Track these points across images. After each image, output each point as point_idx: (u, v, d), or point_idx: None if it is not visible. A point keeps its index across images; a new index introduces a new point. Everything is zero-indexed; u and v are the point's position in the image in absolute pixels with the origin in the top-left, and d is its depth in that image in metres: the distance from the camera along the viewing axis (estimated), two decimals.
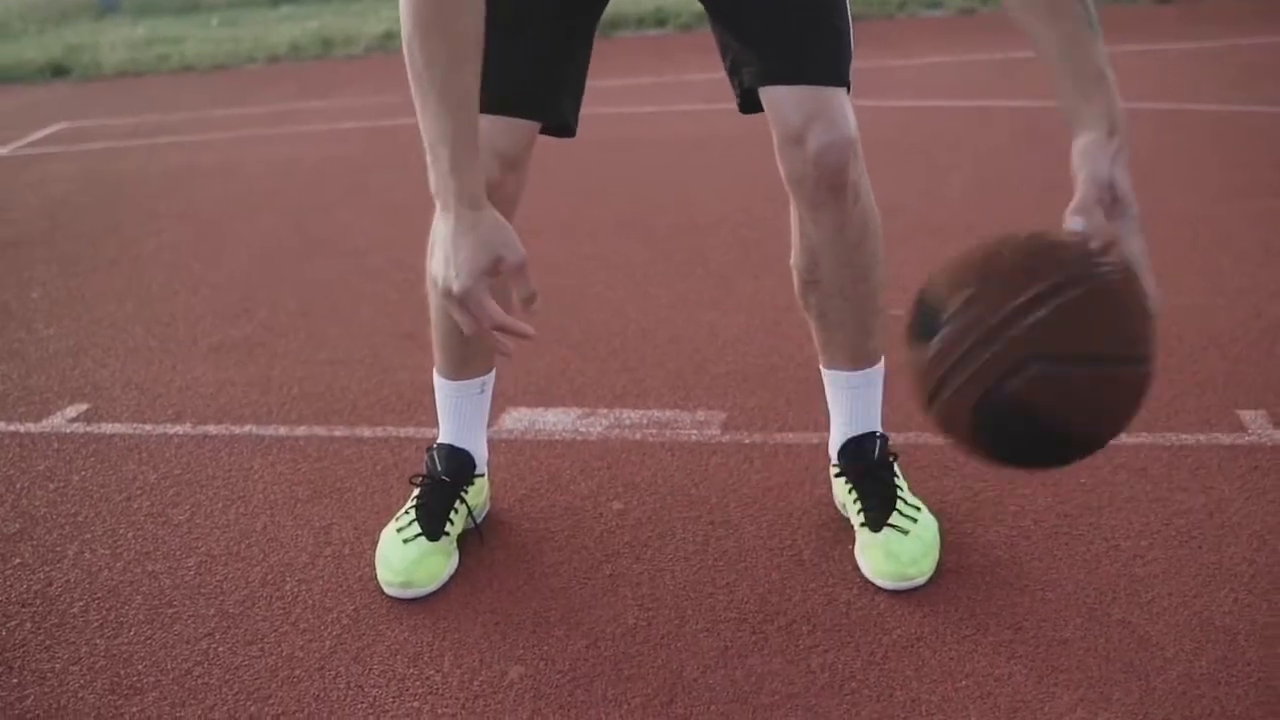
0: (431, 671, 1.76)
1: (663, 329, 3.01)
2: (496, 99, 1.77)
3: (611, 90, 5.91)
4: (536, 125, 1.84)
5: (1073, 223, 1.38)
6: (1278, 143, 4.58)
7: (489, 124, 1.77)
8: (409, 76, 1.51)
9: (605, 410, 2.57)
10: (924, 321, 1.34)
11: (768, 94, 1.78)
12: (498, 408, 2.58)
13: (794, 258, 1.94)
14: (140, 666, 1.83)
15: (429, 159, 1.51)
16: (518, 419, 2.55)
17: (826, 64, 1.76)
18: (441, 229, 1.51)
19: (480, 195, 1.51)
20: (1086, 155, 1.41)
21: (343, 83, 7.91)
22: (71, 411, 2.80)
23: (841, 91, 1.77)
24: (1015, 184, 4.11)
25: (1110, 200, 1.40)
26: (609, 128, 5.34)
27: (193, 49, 9.47)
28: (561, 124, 1.88)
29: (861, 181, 1.82)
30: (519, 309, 1.58)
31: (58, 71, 9.22)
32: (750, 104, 1.83)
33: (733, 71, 1.83)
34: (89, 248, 4.31)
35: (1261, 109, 5.02)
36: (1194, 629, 1.73)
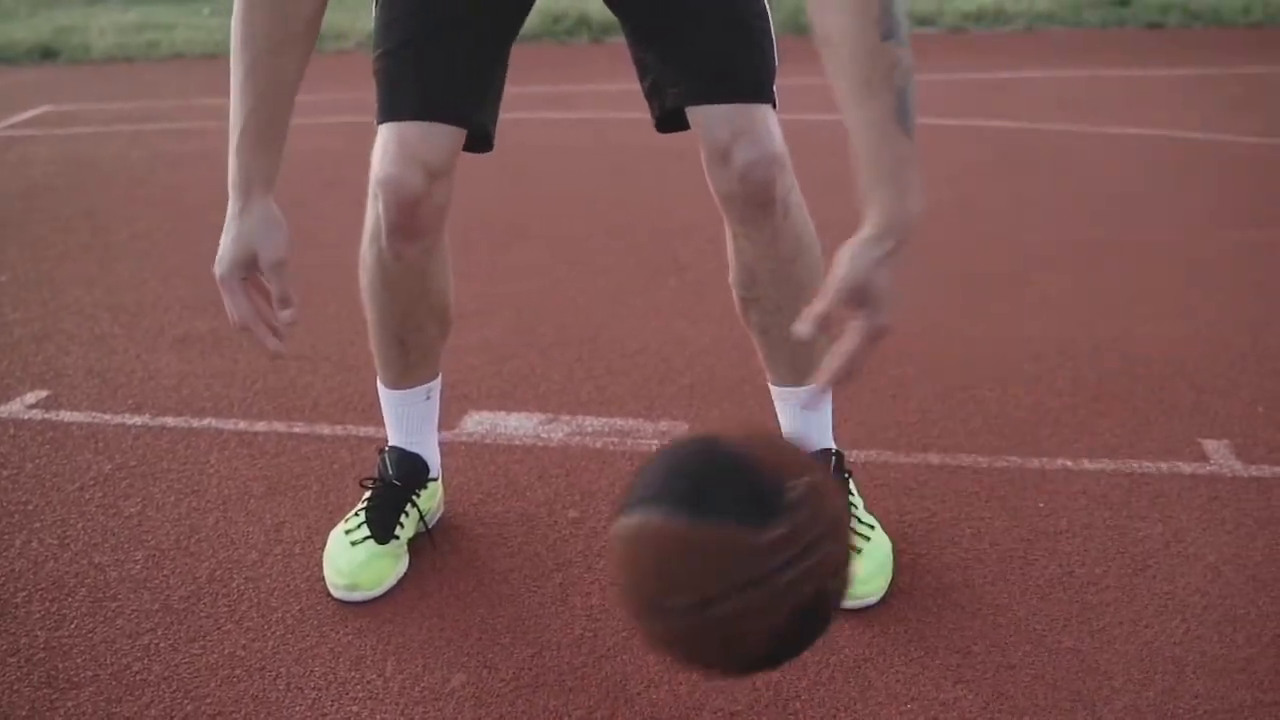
0: (373, 676, 1.74)
1: (633, 337, 3.00)
2: (421, 104, 1.75)
3: (588, 96, 5.90)
4: (461, 133, 1.79)
5: (799, 329, 1.32)
6: (1257, 174, 4.59)
7: (413, 131, 1.75)
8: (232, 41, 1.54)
9: (568, 417, 2.55)
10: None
11: (694, 113, 1.76)
12: (459, 409, 2.57)
13: (731, 275, 1.92)
14: (79, 660, 1.80)
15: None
16: (479, 422, 2.53)
17: (749, 81, 1.75)
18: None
19: (259, 186, 1.55)
20: (849, 254, 1.33)
21: (331, 77, 7.85)
22: (31, 398, 2.77)
23: (765, 108, 1.75)
24: (995, 202, 4.11)
25: (860, 302, 1.33)
26: (582, 134, 5.33)
27: (183, 36, 9.43)
28: (482, 134, 1.84)
29: (791, 196, 1.80)
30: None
31: (46, 54, 9.17)
32: (669, 123, 1.82)
33: (653, 92, 1.82)
34: (62, 232, 4.28)
35: (1242, 139, 5.03)
36: (1143, 659, 1.72)
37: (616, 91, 6.94)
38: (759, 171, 1.72)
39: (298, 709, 1.67)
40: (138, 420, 2.62)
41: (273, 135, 1.56)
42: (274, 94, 1.54)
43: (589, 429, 2.49)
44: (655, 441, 2.42)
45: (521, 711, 1.65)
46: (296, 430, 2.54)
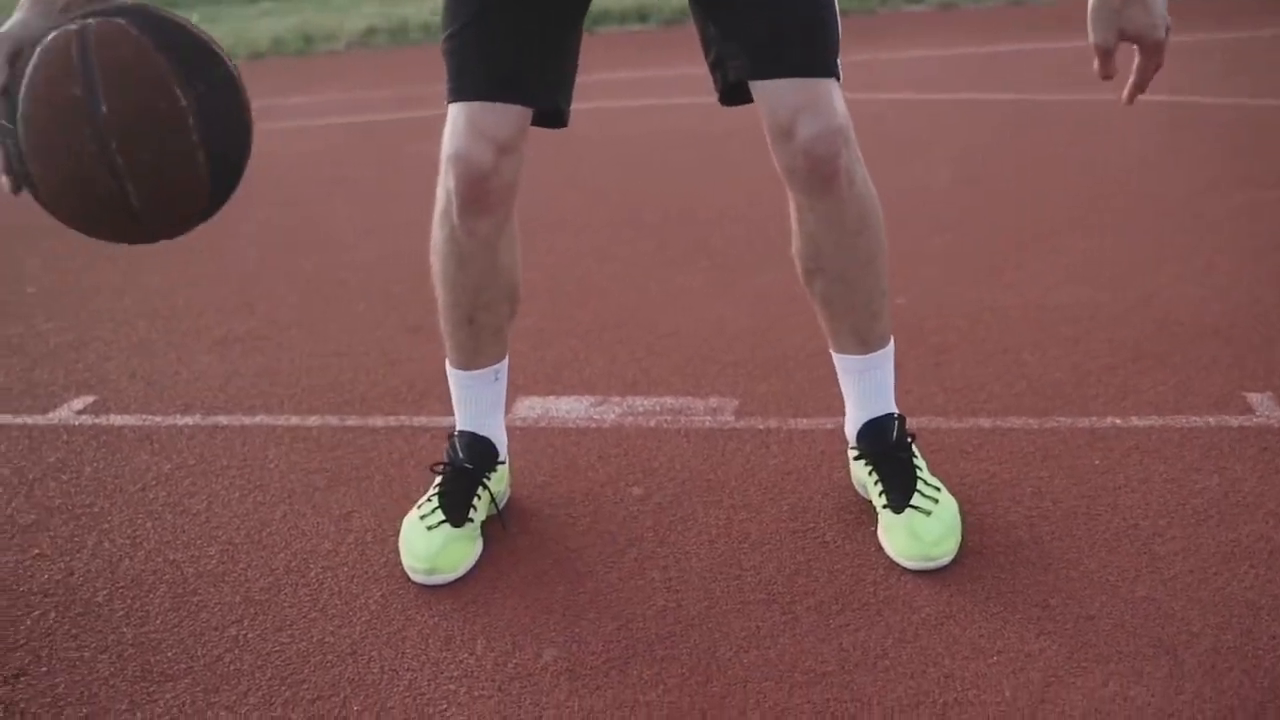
0: (465, 655, 1.77)
1: (667, 320, 3.03)
2: (488, 84, 1.79)
3: (597, 84, 5.92)
4: (529, 111, 1.84)
5: (1111, 81, 1.58)
6: (1263, 133, 4.64)
7: (481, 110, 1.79)
8: None
9: (617, 398, 2.58)
10: None
11: (757, 88, 1.79)
12: (510, 395, 2.58)
13: (794, 247, 1.95)
14: (169, 654, 1.83)
15: None
16: (530, 407, 2.56)
17: (814, 55, 1.78)
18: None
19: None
20: (1091, 20, 1.55)
21: (324, 78, 7.90)
22: (78, 404, 2.79)
23: (830, 82, 1.78)
24: (1004, 174, 4.15)
25: (1132, 41, 1.57)
26: (598, 122, 5.35)
27: None
28: (553, 111, 1.88)
29: (856, 169, 1.84)
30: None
31: None
32: (732, 96, 1.85)
33: (716, 65, 1.85)
34: (80, 241, 4.26)
35: (1254, 102, 5.08)
36: (1217, 604, 1.75)
37: (620, 80, 6.99)
38: (822, 145, 1.75)
39: (395, 690, 1.70)
40: (189, 420, 2.65)
41: None
42: None
43: (640, 409, 2.52)
44: (708, 418, 2.45)
45: (616, 682, 1.68)
46: (350, 423, 2.57)
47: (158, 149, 1.44)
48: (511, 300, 2.02)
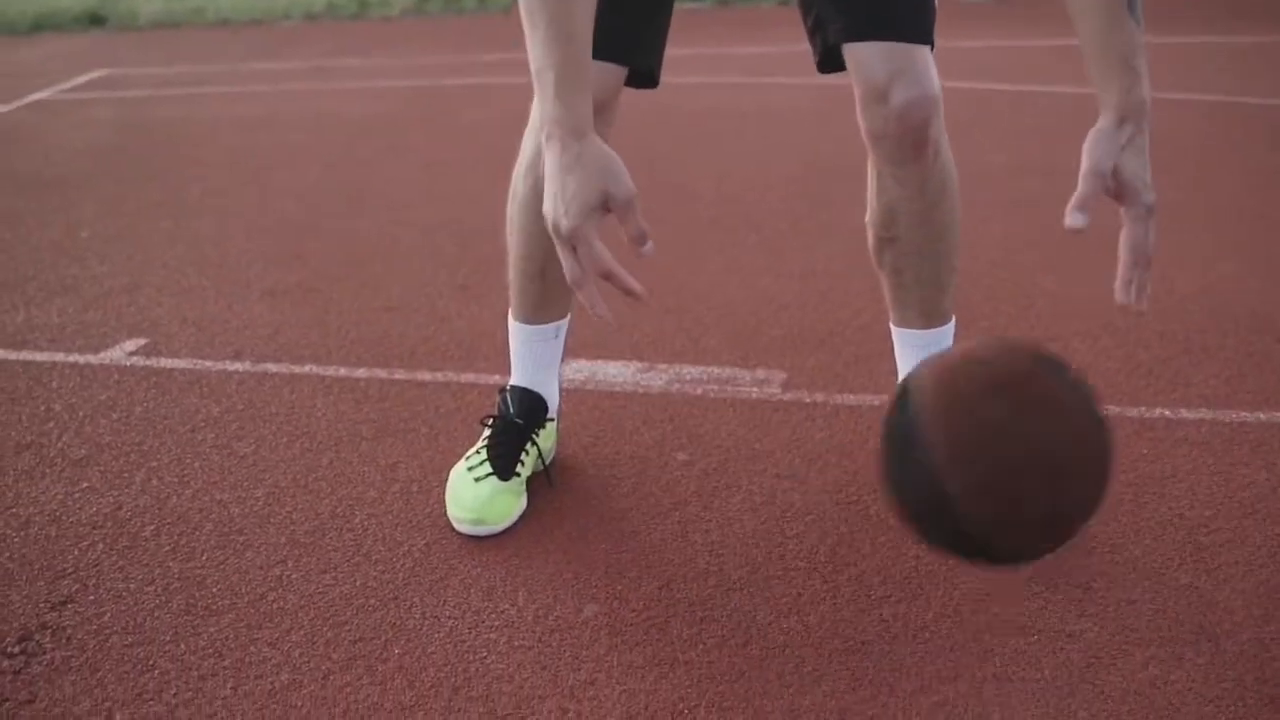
0: (506, 606, 1.78)
1: (717, 292, 3.03)
2: None
3: None
4: (624, 71, 1.85)
5: (1071, 219, 1.40)
6: None
7: None
8: (520, 6, 1.50)
9: (665, 365, 2.59)
10: None
11: (852, 51, 1.79)
12: None
13: (870, 215, 1.95)
14: (215, 590, 1.85)
15: (536, 87, 1.48)
16: (578, 369, 2.57)
17: (912, 21, 1.78)
18: (549, 162, 1.46)
19: (586, 125, 1.45)
20: (1091, 145, 1.42)
21: (378, 43, 7.91)
22: (130, 345, 2.82)
23: (926, 49, 1.78)
24: (1063, 164, 4.11)
25: (1117, 190, 1.43)
26: (652, 97, 5.35)
27: (229, 3, 9.47)
28: (646, 71, 1.89)
29: (942, 139, 1.84)
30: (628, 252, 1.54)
31: (94, 20, 9.23)
32: (829, 63, 1.85)
33: (815, 29, 1.85)
34: (134, 190, 4.33)
35: None
36: (1261, 596, 1.75)
37: (673, 56, 6.92)
38: (916, 112, 1.75)
39: (436, 636, 1.72)
40: (239, 366, 2.67)
41: (585, 79, 1.47)
42: (579, 37, 1.46)
43: (687, 377, 2.53)
44: (755, 389, 2.45)
45: (656, 640, 1.69)
46: (397, 377, 2.58)
47: None
48: None
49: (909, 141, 1.78)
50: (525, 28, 1.49)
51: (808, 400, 2.40)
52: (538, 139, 1.83)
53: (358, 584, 1.85)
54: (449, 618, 1.76)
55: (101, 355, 2.77)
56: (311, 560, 1.92)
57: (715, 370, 2.55)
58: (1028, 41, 6.79)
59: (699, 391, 2.46)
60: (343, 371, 2.62)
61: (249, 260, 3.43)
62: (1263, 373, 2.47)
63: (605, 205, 1.46)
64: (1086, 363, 2.54)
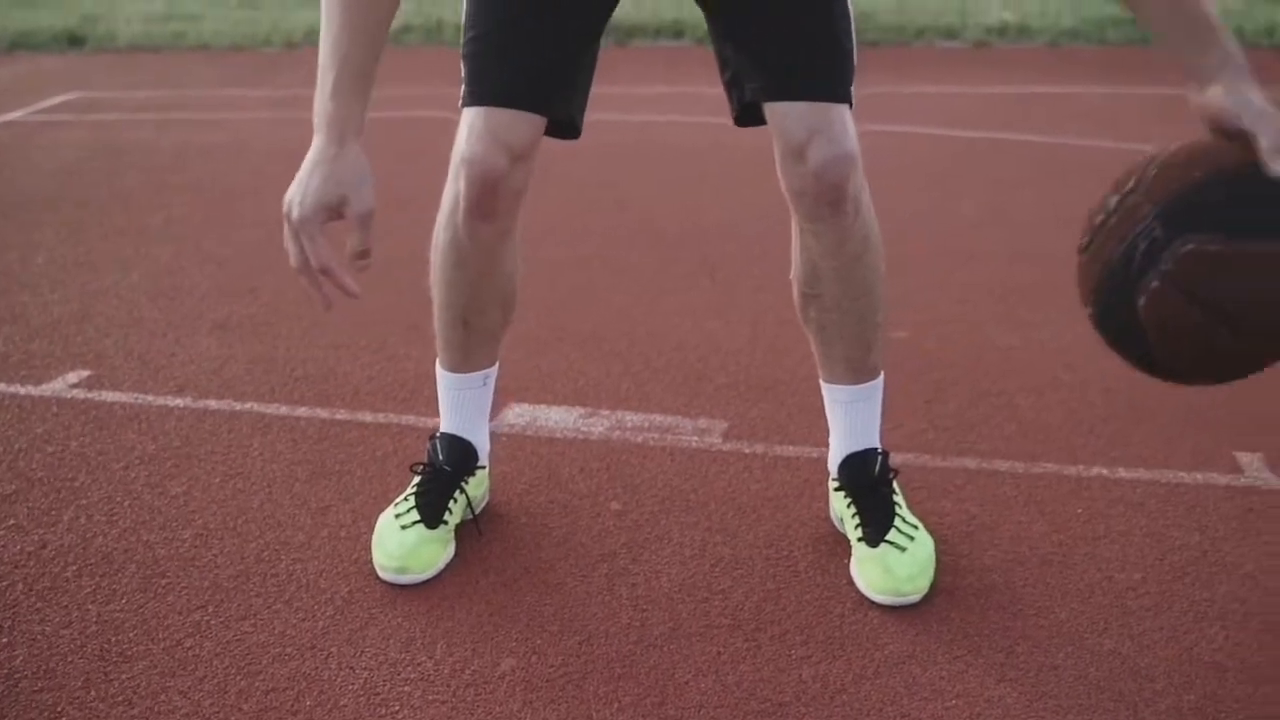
0: (424, 658, 1.76)
1: (668, 335, 3.02)
2: (505, 91, 1.79)
3: (624, 98, 5.93)
4: (543, 120, 1.84)
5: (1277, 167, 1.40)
6: None
7: (498, 116, 1.79)
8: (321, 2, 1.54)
9: (608, 411, 2.58)
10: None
11: (771, 109, 1.80)
12: (500, 401, 2.59)
13: (794, 271, 1.95)
14: (132, 634, 1.83)
15: (318, 81, 1.55)
16: (520, 414, 2.56)
17: (829, 80, 1.79)
18: (309, 154, 1.55)
19: (351, 132, 1.54)
20: (1244, 108, 1.42)
21: None
22: (73, 377, 2.80)
23: (843, 108, 1.79)
24: (1025, 214, 4.13)
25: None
26: (621, 134, 5.35)
27: (210, 28, 9.47)
28: (567, 121, 1.88)
29: (862, 196, 1.84)
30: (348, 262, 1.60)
31: (73, 41, 9.21)
32: (747, 117, 1.85)
33: (732, 85, 1.86)
34: (96, 215, 4.31)
35: None
36: (1184, 663, 1.74)
37: (648, 94, 7.00)
38: (833, 170, 1.75)
39: (350, 688, 1.70)
40: (180, 402, 2.65)
41: (366, 83, 1.56)
42: (367, 40, 1.54)
43: (629, 424, 2.52)
44: (695, 439, 2.44)
45: (571, 697, 1.68)
46: (339, 417, 2.57)
47: None
48: (506, 307, 2.02)
49: (826, 199, 1.78)
50: (322, 23, 1.56)
51: (747, 451, 2.39)
52: (455, 191, 1.84)
53: (276, 631, 1.83)
54: (364, 669, 1.74)
55: (43, 387, 2.75)
56: (233, 606, 1.90)
57: (658, 418, 2.54)
58: (1000, 89, 6.83)
59: (639, 439, 2.45)
60: (284, 410, 2.60)
61: (203, 292, 3.41)
62: (1202, 432, 2.47)
63: (340, 209, 1.55)
64: (1029, 418, 2.54)
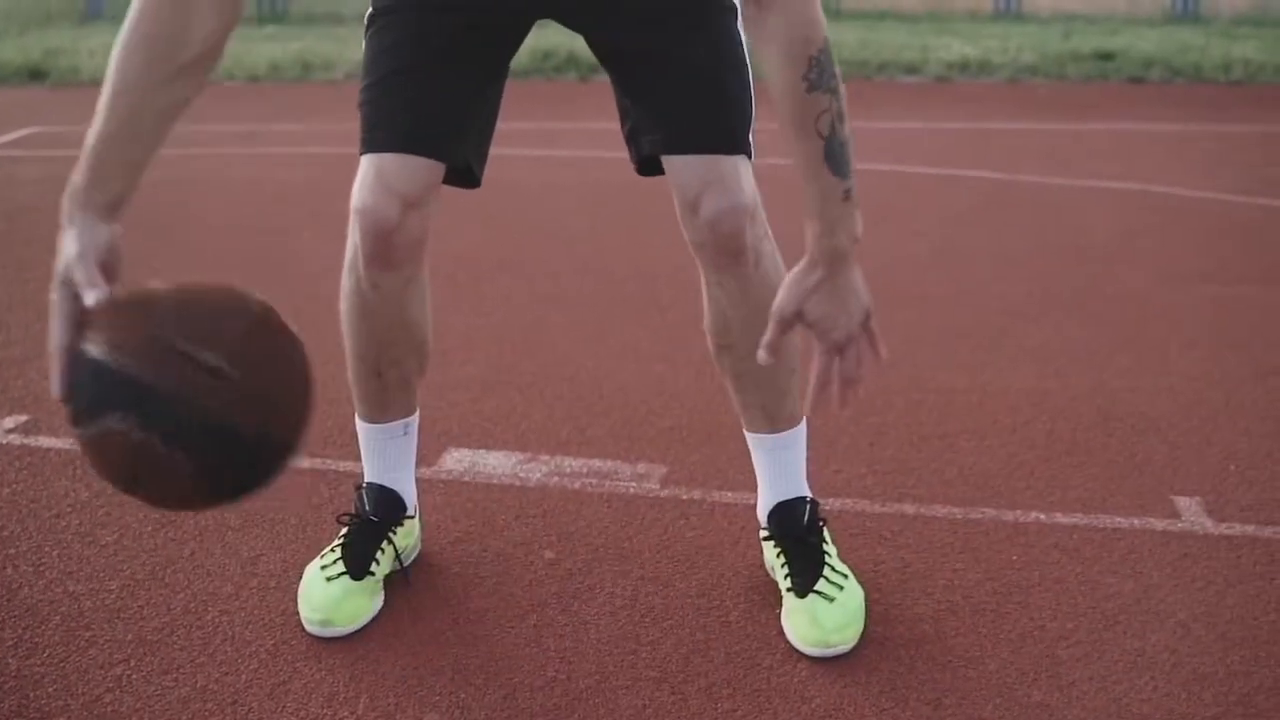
0: (346, 713, 1.74)
1: (612, 377, 3.01)
2: (398, 137, 1.78)
3: (582, 134, 5.94)
4: (439, 167, 1.82)
5: (759, 356, 1.60)
6: (1237, 230, 4.65)
7: (390, 163, 1.78)
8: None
9: (547, 456, 2.56)
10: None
11: (668, 162, 1.81)
12: (439, 446, 2.57)
13: (705, 321, 1.96)
14: (51, 689, 1.80)
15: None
16: (459, 459, 2.54)
17: (721, 133, 1.79)
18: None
19: (92, 202, 1.52)
20: (784, 288, 1.59)
21: (318, 107, 7.91)
22: (9, 422, 2.77)
23: (738, 159, 1.79)
24: (976, 253, 4.15)
25: (807, 328, 1.59)
26: (576, 171, 5.36)
27: None
28: (465, 168, 1.87)
29: (763, 245, 1.84)
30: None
31: (35, 75, 9.17)
32: (648, 168, 1.86)
33: (631, 138, 1.86)
34: (45, 255, 4.23)
35: (1221, 196, 5.09)
36: (1111, 715, 1.73)
37: (604, 130, 6.95)
38: (727, 222, 1.76)
39: None
40: None
41: (118, 164, 1.54)
42: (128, 122, 1.52)
43: (567, 469, 2.50)
44: (633, 484, 2.43)
45: None
46: None
47: None
48: (420, 355, 2.00)
49: (724, 251, 1.79)
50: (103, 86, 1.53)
51: (684, 497, 2.38)
52: (354, 241, 1.83)
53: (198, 685, 1.81)
54: None
55: None
56: (155, 660, 1.87)
57: (597, 463, 2.53)
58: (959, 124, 6.88)
59: (577, 485, 2.43)
60: None
61: None
62: (1142, 476, 2.47)
63: (70, 280, 1.49)
64: (969, 462, 2.54)
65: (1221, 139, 6.54)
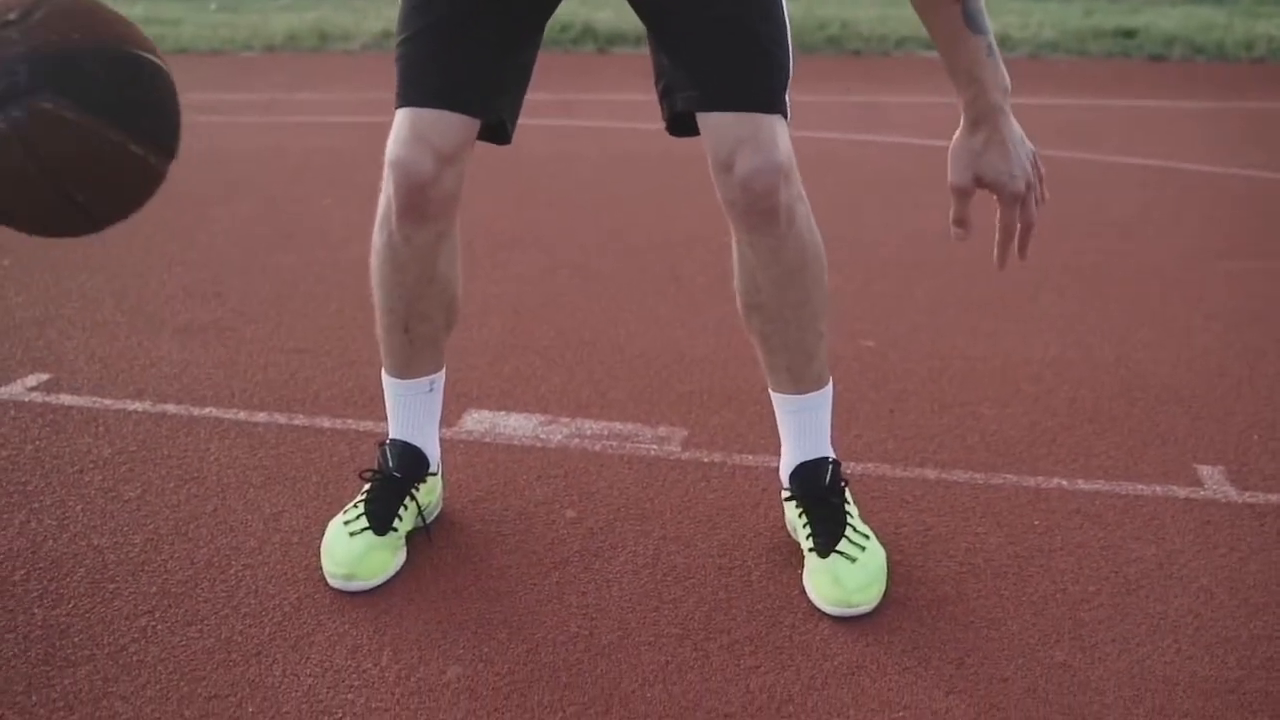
0: (369, 665, 1.74)
1: (632, 343, 3.01)
2: (434, 92, 1.78)
3: (601, 105, 5.93)
4: (474, 123, 1.82)
5: (954, 234, 1.69)
6: (1259, 207, 4.62)
7: (426, 117, 1.78)
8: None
9: (567, 419, 2.56)
10: None
11: (702, 120, 1.79)
12: (460, 407, 2.58)
13: (735, 281, 1.94)
14: (77, 639, 1.81)
15: None
16: (479, 420, 2.54)
17: (758, 91, 1.77)
18: None
19: None
20: (952, 158, 1.66)
21: (336, 77, 7.91)
22: (32, 380, 2.78)
23: (774, 118, 1.77)
24: (993, 227, 4.12)
25: (987, 189, 1.66)
26: (596, 141, 5.34)
27: (189, 32, 9.45)
28: (498, 125, 1.87)
29: (797, 206, 1.82)
30: None
31: None
32: (679, 127, 1.85)
33: (665, 95, 1.85)
34: None
35: (1244, 172, 5.06)
36: (1134, 677, 1.73)
37: (621, 101, 6.98)
38: (761, 180, 1.74)
39: (293, 695, 1.68)
40: (138, 406, 2.63)
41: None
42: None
43: (588, 431, 2.50)
44: (654, 447, 2.43)
45: (516, 705, 1.66)
46: (297, 423, 2.55)
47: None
48: (448, 312, 2.00)
49: (757, 210, 1.77)
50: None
51: (705, 460, 2.38)
52: (387, 195, 1.83)
53: (222, 637, 1.81)
54: (309, 676, 1.72)
55: (1, 390, 2.72)
56: (180, 611, 1.88)
57: (617, 426, 2.53)
58: None
59: (598, 448, 2.43)
60: (242, 415, 2.59)
61: (167, 295, 3.39)
62: (1165, 444, 2.46)
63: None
64: (991, 429, 2.53)
65: (1244, 116, 6.51)
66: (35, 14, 1.34)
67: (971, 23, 1.58)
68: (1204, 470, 2.35)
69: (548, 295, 3.40)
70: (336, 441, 2.45)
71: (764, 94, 1.76)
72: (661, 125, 1.88)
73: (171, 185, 4.71)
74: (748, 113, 1.75)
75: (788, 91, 1.79)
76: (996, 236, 1.66)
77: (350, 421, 2.55)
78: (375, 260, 1.94)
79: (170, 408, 2.63)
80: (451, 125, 1.78)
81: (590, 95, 6.17)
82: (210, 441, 2.46)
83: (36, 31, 1.33)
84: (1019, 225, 1.68)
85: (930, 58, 8.51)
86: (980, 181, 1.64)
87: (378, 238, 1.91)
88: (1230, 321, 3.23)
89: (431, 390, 2.04)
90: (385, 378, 2.05)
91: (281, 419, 2.57)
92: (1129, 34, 8.79)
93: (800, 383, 1.95)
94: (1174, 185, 4.92)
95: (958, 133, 1.64)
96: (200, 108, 6.69)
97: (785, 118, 1.78)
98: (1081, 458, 2.41)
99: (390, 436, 2.06)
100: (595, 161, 5.06)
